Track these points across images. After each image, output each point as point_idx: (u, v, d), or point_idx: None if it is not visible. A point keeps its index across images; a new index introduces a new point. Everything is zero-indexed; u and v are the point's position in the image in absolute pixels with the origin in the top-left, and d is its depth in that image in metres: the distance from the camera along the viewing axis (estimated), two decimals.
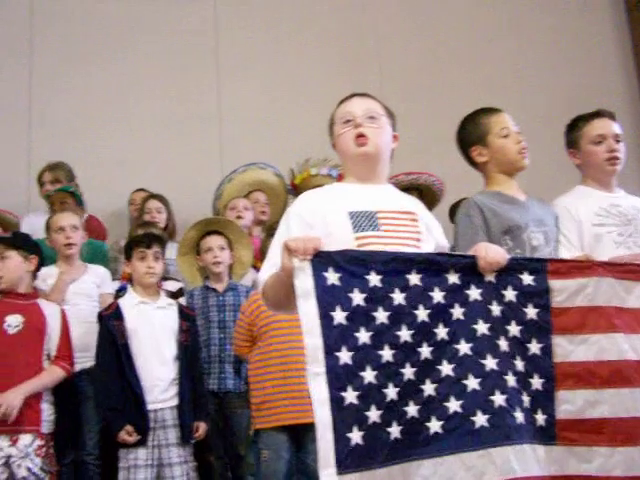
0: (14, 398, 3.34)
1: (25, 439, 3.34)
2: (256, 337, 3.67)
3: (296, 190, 5.21)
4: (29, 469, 3.29)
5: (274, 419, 3.51)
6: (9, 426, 3.31)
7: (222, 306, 4.09)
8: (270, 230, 4.10)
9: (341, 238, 2.21)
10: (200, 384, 3.74)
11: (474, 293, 2.16)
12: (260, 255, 4.25)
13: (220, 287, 4.14)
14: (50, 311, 3.63)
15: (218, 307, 4.08)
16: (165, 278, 4.01)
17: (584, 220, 2.95)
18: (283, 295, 2.19)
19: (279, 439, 3.51)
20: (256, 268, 4.25)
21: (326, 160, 5.16)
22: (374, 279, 2.05)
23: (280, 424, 3.50)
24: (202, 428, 3.65)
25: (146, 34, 6.19)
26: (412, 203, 2.50)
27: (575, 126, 3.17)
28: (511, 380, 2.14)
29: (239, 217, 4.77)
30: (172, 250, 4.36)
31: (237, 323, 3.80)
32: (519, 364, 2.18)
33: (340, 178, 3.28)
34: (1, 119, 5.71)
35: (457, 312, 2.12)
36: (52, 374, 3.54)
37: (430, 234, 2.41)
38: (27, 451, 3.32)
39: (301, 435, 3.50)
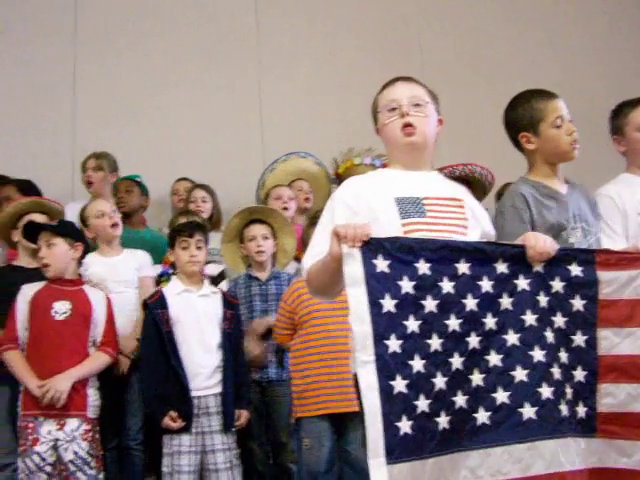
0: (62, 384, 3.38)
1: (72, 423, 3.38)
2: (297, 325, 3.67)
3: (339, 180, 5.19)
4: (76, 453, 3.33)
5: (315, 407, 3.51)
6: (57, 410, 3.36)
7: (265, 295, 4.09)
8: (312, 219, 4.10)
9: (387, 224, 2.19)
10: (243, 372, 3.75)
11: (522, 283, 2.13)
12: (301, 244, 4.25)
13: (263, 276, 4.13)
14: (96, 297, 3.66)
15: (261, 296, 4.09)
16: (206, 262, 4.01)
17: (629, 209, 2.89)
18: (328, 281, 2.19)
19: (321, 427, 3.52)
20: (298, 259, 4.25)
21: (370, 149, 5.14)
22: (423, 267, 2.03)
23: (322, 412, 3.50)
24: (244, 416, 3.67)
25: (188, 24, 6.22)
26: (458, 190, 2.48)
27: (620, 112, 3.08)
28: (556, 372, 2.12)
29: (285, 208, 4.78)
30: (216, 240, 4.37)
31: (278, 311, 3.80)
32: (563, 356, 2.15)
33: (384, 167, 3.27)
34: (46, 110, 5.77)
35: (505, 302, 2.11)
36: (98, 360, 3.57)
37: (476, 221, 2.38)
38: (74, 435, 3.36)
39: (343, 423, 3.50)
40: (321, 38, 6.46)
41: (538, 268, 2.16)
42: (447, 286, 2.05)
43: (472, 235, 2.31)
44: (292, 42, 6.39)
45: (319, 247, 2.19)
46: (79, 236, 3.74)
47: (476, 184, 4.91)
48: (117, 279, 4.01)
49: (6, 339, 3.53)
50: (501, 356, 2.07)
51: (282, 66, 6.30)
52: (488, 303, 2.09)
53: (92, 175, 5.07)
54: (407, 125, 2.33)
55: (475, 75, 6.56)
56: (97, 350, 3.59)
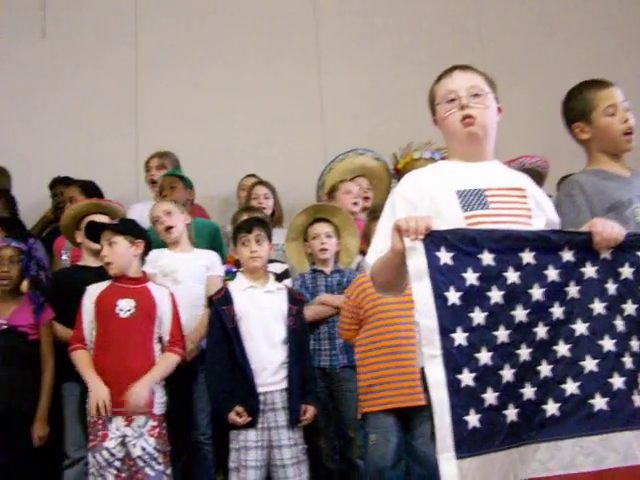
0: (141, 390, 3.42)
1: (139, 420, 3.41)
2: (362, 320, 3.65)
3: (399, 175, 5.17)
4: (143, 448, 3.37)
5: (382, 402, 3.49)
6: (124, 407, 3.39)
7: (330, 286, 4.14)
8: (373, 213, 4.08)
9: (450, 218, 2.15)
10: (309, 367, 3.74)
11: (590, 271, 2.08)
12: (364, 239, 4.25)
13: (327, 270, 4.20)
14: (160, 294, 3.69)
15: (326, 287, 4.14)
16: (270, 260, 4.02)
17: None
18: (392, 277, 2.16)
19: (387, 422, 3.49)
20: (362, 252, 4.26)
21: (429, 143, 5.10)
22: (487, 258, 2.00)
23: (388, 407, 3.48)
24: (310, 411, 3.65)
25: (246, 23, 6.29)
26: (520, 178, 2.42)
27: None
28: (628, 362, 2.07)
29: (355, 203, 4.81)
30: (279, 236, 4.39)
31: (342, 307, 3.79)
32: (635, 344, 2.09)
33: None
34: (109, 112, 5.88)
35: (573, 291, 2.06)
36: (169, 361, 3.60)
37: (540, 210, 2.33)
38: (141, 431, 3.39)
39: (409, 418, 3.47)
40: (379, 31, 6.43)
41: (605, 255, 2.11)
42: (512, 276, 2.01)
43: (537, 224, 2.26)
44: (351, 38, 6.39)
45: (381, 243, 2.18)
46: (140, 233, 3.78)
47: (530, 172, 4.82)
48: (187, 273, 4.04)
49: (74, 339, 3.59)
50: (570, 346, 2.03)
51: (341, 62, 6.31)
52: (555, 292, 2.04)
53: (155, 174, 5.17)
54: (467, 117, 2.29)
55: (537, 63, 6.46)
56: (166, 351, 3.62)
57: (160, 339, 3.64)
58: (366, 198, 5.11)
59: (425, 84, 2.54)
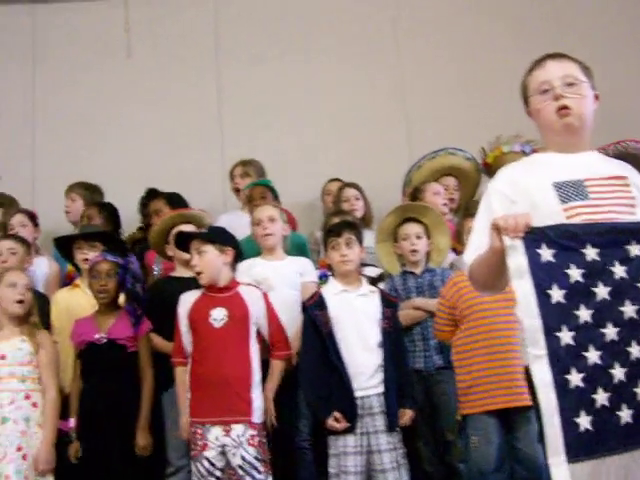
0: (268, 403, 3.57)
1: (237, 429, 3.40)
2: (458, 320, 3.61)
3: (489, 169, 5.09)
4: (243, 458, 3.36)
5: (483, 403, 3.43)
6: (222, 417, 3.41)
7: (420, 287, 4.09)
8: (467, 211, 4.00)
9: (547, 211, 2.09)
10: (405, 370, 3.69)
11: None
12: (456, 237, 4.18)
13: (418, 270, 4.14)
14: (251, 296, 3.67)
15: (417, 288, 4.09)
16: (364, 264, 3.99)
17: None
18: (491, 276, 2.13)
19: (489, 424, 3.43)
20: (454, 250, 4.23)
21: (518, 136, 5.00)
22: (591, 253, 1.93)
23: (489, 408, 3.42)
24: (407, 415, 3.60)
25: (323, 26, 6.29)
26: (621, 167, 2.33)
27: None
28: None
29: (445, 204, 4.76)
30: (370, 237, 4.34)
31: (438, 308, 3.74)
32: None
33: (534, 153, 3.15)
34: (194, 125, 5.98)
35: None
36: (278, 368, 3.66)
37: None
38: (240, 440, 3.38)
39: (511, 419, 3.40)
40: (461, 21, 6.33)
41: None
42: (619, 271, 1.94)
43: None
44: (432, 31, 6.30)
45: (479, 241, 2.15)
46: (229, 241, 3.76)
47: (632, 161, 4.64)
48: (280, 280, 4.01)
49: (175, 351, 3.65)
50: None
51: (423, 56, 6.23)
52: None
53: (240, 182, 5.19)
54: (562, 107, 2.22)
55: (621, 46, 6.25)
56: (272, 358, 3.66)
57: (260, 339, 3.64)
58: (452, 199, 5.04)
59: (510, 74, 2.47)
